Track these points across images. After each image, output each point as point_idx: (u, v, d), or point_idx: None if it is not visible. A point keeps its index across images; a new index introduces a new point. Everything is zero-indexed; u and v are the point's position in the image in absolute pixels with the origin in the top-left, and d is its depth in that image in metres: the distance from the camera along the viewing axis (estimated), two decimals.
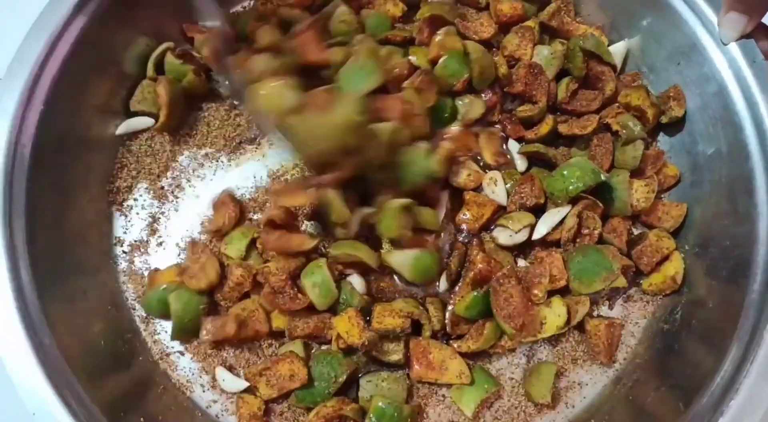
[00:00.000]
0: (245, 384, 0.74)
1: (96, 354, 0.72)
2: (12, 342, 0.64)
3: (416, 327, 0.76)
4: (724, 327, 0.69)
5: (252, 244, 0.78)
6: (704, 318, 0.73)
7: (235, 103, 0.87)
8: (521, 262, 0.81)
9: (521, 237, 0.79)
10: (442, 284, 0.80)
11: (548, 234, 0.79)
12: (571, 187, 0.76)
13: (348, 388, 0.75)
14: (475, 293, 0.74)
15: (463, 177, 0.81)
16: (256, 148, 0.86)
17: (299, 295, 0.75)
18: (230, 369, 0.76)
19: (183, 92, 0.84)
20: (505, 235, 0.79)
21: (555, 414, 0.76)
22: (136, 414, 0.70)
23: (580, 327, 0.78)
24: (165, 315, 0.77)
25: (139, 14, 0.82)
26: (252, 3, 0.91)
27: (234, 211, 0.80)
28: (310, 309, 0.76)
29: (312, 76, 0.76)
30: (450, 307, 0.78)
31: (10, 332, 0.64)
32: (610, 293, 0.80)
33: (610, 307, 0.81)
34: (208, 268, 0.77)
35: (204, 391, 0.76)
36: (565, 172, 0.77)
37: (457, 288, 0.80)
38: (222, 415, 0.75)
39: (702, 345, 0.71)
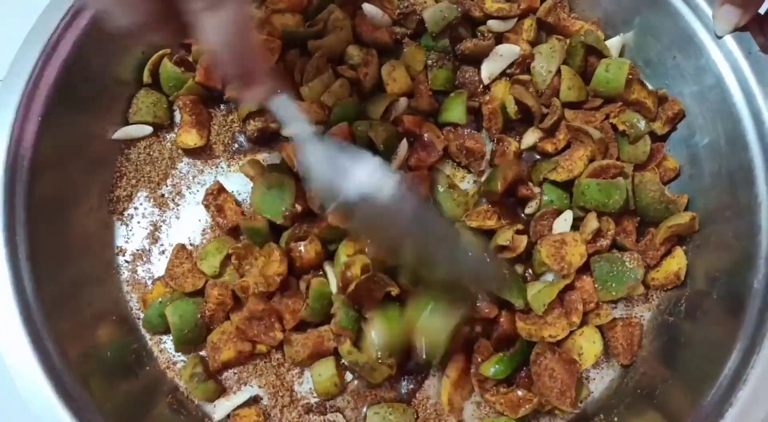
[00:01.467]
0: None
1: (103, 365, 0.71)
2: (18, 353, 0.63)
3: None
4: (729, 318, 0.69)
5: (227, 259, 0.76)
6: (709, 310, 0.73)
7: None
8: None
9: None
10: None
11: None
12: (609, 201, 0.75)
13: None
14: (502, 354, 0.72)
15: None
16: (255, 153, 0.85)
17: (276, 325, 0.72)
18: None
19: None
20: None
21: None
22: None
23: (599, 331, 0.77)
24: (169, 329, 0.76)
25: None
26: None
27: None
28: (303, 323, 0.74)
29: None
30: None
31: (16, 345, 0.64)
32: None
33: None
34: (194, 271, 0.77)
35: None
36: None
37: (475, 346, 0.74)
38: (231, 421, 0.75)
39: (708, 337, 0.72)
